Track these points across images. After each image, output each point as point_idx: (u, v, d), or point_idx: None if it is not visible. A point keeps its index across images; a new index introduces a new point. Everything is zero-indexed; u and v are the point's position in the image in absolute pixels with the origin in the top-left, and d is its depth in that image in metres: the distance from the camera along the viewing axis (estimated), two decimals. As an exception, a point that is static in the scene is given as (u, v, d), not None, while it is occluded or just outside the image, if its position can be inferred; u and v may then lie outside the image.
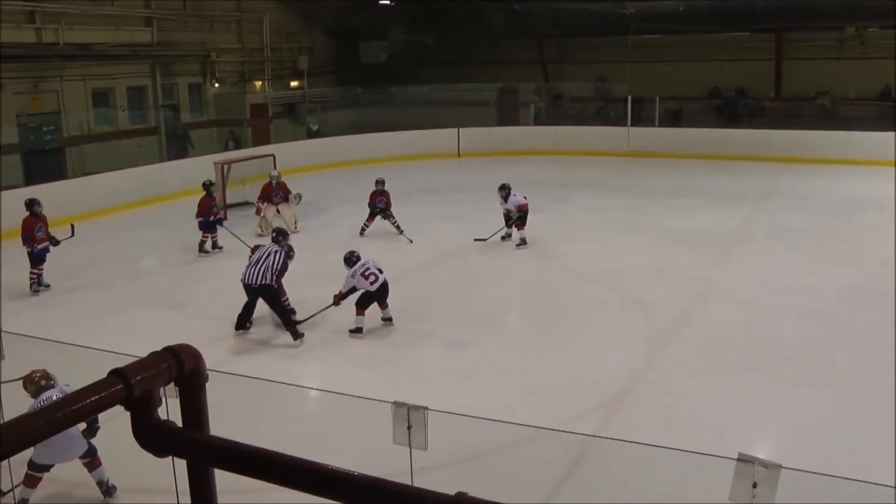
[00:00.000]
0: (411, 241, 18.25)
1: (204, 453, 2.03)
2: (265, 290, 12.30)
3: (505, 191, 17.81)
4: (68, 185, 21.43)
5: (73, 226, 15.80)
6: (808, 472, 5.86)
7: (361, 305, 12.67)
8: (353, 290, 12.61)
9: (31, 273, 15.03)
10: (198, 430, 2.10)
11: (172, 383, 2.05)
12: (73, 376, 7.87)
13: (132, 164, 24.35)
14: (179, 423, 2.08)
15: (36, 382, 7.74)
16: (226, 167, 21.70)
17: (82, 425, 7.61)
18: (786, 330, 12.54)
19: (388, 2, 33.62)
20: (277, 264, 12.37)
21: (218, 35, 31.32)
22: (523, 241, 17.63)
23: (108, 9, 26.25)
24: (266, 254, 12.43)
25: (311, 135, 32.59)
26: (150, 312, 13.88)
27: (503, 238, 17.94)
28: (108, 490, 8.09)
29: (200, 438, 2.06)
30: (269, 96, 33.47)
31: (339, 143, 29.89)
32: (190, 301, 14.53)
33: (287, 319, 12.43)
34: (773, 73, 33.50)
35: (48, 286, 15.31)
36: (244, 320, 12.69)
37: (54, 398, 7.35)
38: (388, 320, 13.01)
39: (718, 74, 34.17)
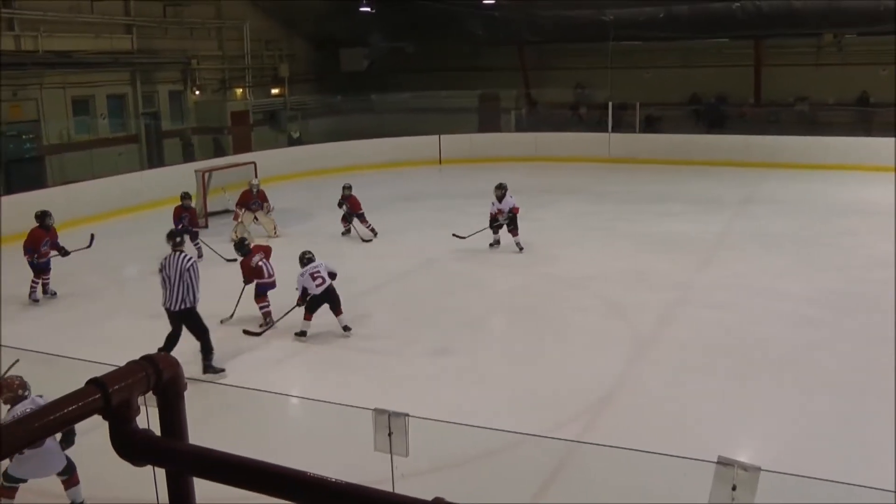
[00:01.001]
0: (368, 241, 18.65)
1: (182, 462, 2.03)
2: (188, 314, 11.38)
3: (501, 190, 17.75)
4: (48, 194, 21.26)
5: (92, 235, 15.73)
6: (788, 474, 5.90)
7: (310, 309, 12.75)
8: (304, 289, 12.75)
9: (32, 282, 15.01)
10: (176, 438, 2.10)
11: (151, 392, 2.05)
12: (53, 386, 7.82)
13: (113, 173, 24.28)
14: (158, 433, 2.09)
15: (14, 390, 7.62)
16: (207, 175, 21.66)
17: (59, 436, 7.50)
18: (768, 334, 12.58)
19: (368, 9, 33.62)
20: (197, 278, 11.36)
21: (198, 42, 31.29)
22: (520, 247, 17.68)
23: (88, 16, 26.14)
24: (179, 271, 11.22)
25: (293, 142, 32.60)
26: (133, 322, 13.81)
27: (491, 245, 17.94)
28: None
29: (179, 447, 2.06)
30: (249, 103, 33.43)
31: (320, 151, 29.87)
32: (171, 309, 14.46)
33: (208, 349, 11.59)
34: (752, 80, 33.69)
35: (55, 294, 15.33)
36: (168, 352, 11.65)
37: (28, 411, 7.04)
38: (345, 328, 12.92)
39: (698, 81, 34.30)
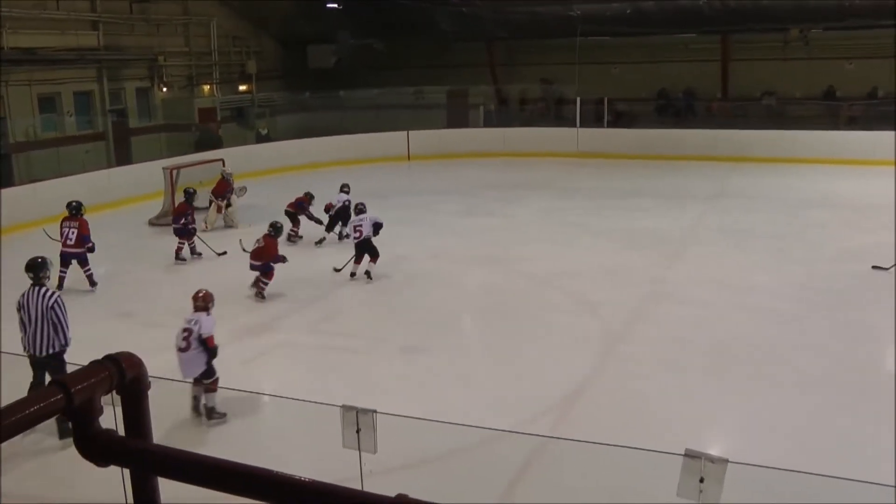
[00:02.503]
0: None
1: (146, 462, 2.02)
2: (54, 360, 9.47)
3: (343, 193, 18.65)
4: (15, 193, 21.06)
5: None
6: (757, 465, 5.94)
7: (356, 255, 15.50)
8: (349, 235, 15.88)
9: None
10: (140, 438, 2.08)
11: (114, 392, 2.04)
12: (20, 387, 7.81)
13: (80, 171, 24.08)
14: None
15: (206, 302, 9.90)
16: (175, 172, 21.52)
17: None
18: (739, 328, 12.66)
19: (335, 6, 33.53)
20: (64, 316, 9.62)
21: (165, 39, 31.10)
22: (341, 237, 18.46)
23: (54, 12, 25.95)
24: (41, 310, 9.50)
25: (261, 139, 32.42)
26: (100, 321, 13.66)
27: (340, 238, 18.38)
28: (209, 413, 9.53)
29: (142, 447, 2.05)
30: (217, 100, 33.25)
31: (288, 148, 29.76)
32: (140, 309, 14.34)
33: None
34: (719, 74, 33.88)
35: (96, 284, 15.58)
36: None
37: (192, 324, 9.71)
38: (367, 274, 15.46)
39: (666, 76, 34.47)
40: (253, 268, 14.51)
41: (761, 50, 32.75)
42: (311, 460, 7.82)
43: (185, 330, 9.70)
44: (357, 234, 15.29)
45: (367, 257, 15.54)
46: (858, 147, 27.26)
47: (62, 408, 1.89)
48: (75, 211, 15.22)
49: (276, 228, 14.88)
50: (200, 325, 9.69)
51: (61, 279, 14.94)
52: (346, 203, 18.07)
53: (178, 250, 17.34)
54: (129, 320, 13.75)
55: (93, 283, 15.41)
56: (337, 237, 18.45)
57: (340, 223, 18.32)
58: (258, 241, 14.62)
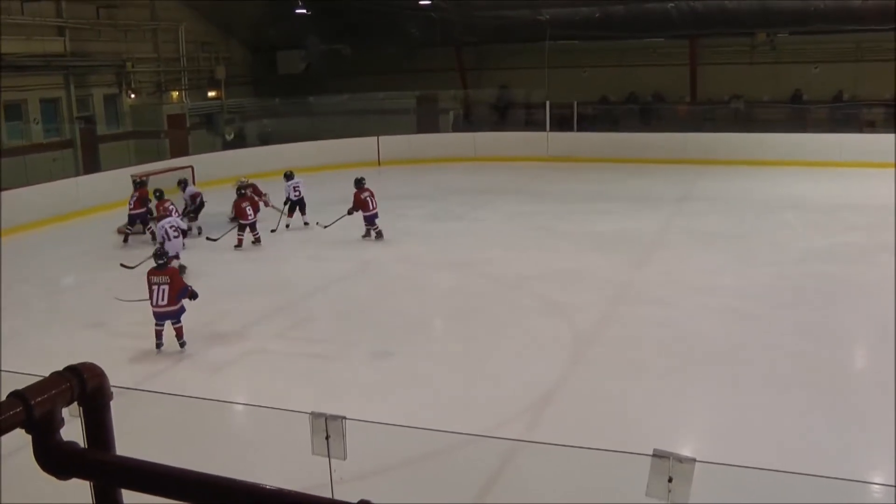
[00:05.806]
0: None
1: (108, 474, 2.00)
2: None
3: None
4: (-20, 201, 20.89)
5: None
6: (724, 464, 5.98)
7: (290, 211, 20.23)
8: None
9: None
10: (102, 450, 2.06)
11: (76, 403, 2.02)
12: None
13: (47, 179, 23.87)
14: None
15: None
16: (143, 180, 21.40)
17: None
18: (707, 330, 12.73)
19: (304, 11, 33.45)
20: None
21: (133, 44, 30.82)
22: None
23: (18, 18, 25.65)
24: None
25: (227, 145, 32.25)
26: (69, 332, 13.54)
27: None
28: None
29: (104, 458, 2.03)
30: (186, 107, 33.03)
31: (257, 154, 29.64)
32: (110, 319, 14.19)
33: None
34: (688, 78, 34.05)
35: None
36: None
37: (167, 227, 15.68)
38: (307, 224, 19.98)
39: (635, 79, 34.61)
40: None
41: (729, 54, 33.01)
42: (280, 468, 7.79)
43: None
44: (297, 194, 19.84)
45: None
46: (824, 149, 27.50)
47: (22, 420, 1.87)
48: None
49: None
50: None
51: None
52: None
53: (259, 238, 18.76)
54: (98, 330, 13.60)
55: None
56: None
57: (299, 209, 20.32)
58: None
